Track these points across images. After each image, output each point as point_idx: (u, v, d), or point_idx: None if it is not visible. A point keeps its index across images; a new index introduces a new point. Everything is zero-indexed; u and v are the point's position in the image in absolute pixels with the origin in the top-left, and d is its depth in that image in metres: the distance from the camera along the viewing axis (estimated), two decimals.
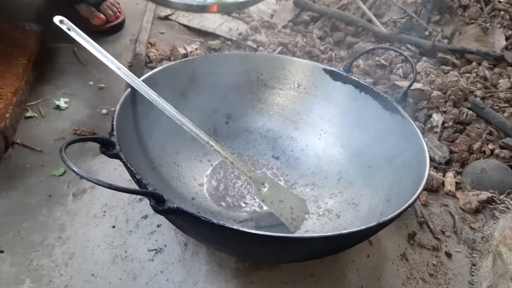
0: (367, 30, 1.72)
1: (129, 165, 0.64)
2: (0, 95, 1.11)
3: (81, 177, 0.55)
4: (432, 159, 1.21)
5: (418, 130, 0.82)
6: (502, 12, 1.74)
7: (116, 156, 0.66)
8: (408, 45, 1.64)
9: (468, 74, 1.50)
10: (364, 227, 0.62)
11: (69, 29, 0.82)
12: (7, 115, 1.06)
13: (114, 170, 0.99)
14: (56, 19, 0.81)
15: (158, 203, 0.59)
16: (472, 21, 1.74)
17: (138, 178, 0.63)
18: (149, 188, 0.61)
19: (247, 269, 0.80)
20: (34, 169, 1.04)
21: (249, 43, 1.61)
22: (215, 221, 0.59)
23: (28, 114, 1.17)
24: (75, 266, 0.84)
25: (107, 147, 0.67)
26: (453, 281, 0.95)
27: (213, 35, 1.64)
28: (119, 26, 1.57)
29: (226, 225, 0.59)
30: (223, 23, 1.69)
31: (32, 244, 0.88)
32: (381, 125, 0.91)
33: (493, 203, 1.13)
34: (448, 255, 1.00)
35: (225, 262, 0.80)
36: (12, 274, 0.82)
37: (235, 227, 0.59)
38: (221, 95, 1.00)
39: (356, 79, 0.96)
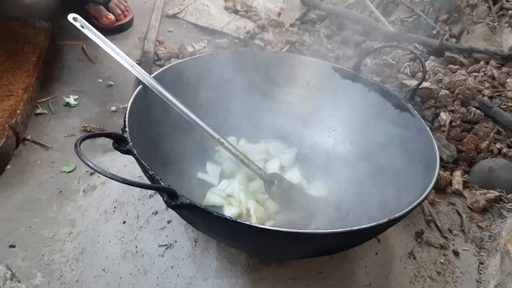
0: (375, 29, 1.72)
1: (142, 161, 0.65)
2: (11, 91, 1.12)
3: (96, 172, 0.56)
4: (440, 159, 1.21)
5: (428, 128, 0.83)
6: (510, 12, 1.73)
7: (128, 152, 0.67)
8: (416, 44, 1.64)
9: (476, 73, 1.49)
10: (374, 223, 0.63)
11: (82, 27, 0.82)
12: (18, 111, 1.07)
13: (124, 167, 0.99)
14: (70, 16, 0.82)
15: (171, 198, 0.59)
16: (480, 20, 1.73)
17: (151, 173, 0.63)
18: (162, 183, 0.61)
19: (257, 265, 0.80)
20: (44, 165, 1.06)
21: (257, 41, 1.61)
22: (227, 216, 0.59)
23: (38, 111, 1.18)
24: (86, 261, 0.85)
25: (120, 143, 0.67)
26: (460, 279, 0.95)
27: (221, 34, 1.65)
28: (128, 25, 1.58)
29: (238, 220, 0.59)
30: (231, 22, 1.69)
31: (43, 239, 0.89)
32: (390, 123, 0.91)
33: (501, 202, 1.13)
34: (456, 253, 1.00)
35: (235, 258, 0.81)
36: (24, 269, 0.83)
37: (247, 222, 0.60)
38: (230, 92, 1.00)
39: (365, 77, 0.96)
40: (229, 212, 0.83)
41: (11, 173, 1.02)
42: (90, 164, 0.56)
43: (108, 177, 0.55)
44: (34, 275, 0.83)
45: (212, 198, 0.86)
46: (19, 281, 0.72)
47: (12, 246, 0.88)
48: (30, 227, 0.91)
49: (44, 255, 0.86)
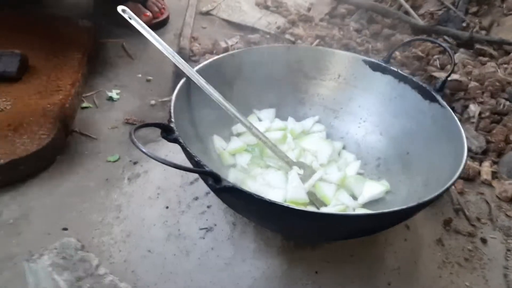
0: (404, 22, 1.74)
1: (187, 149, 0.71)
2: (59, 86, 1.20)
3: (150, 158, 0.61)
4: (468, 149, 1.21)
5: (456, 118, 0.85)
6: None
7: (175, 141, 0.73)
8: (445, 37, 1.64)
9: (506, 65, 1.49)
10: (405, 206, 0.66)
11: (130, 18, 0.89)
12: (67, 105, 1.15)
13: (165, 156, 1.05)
14: (119, 8, 0.88)
15: (216, 182, 0.65)
16: (511, 12, 1.72)
17: (196, 160, 0.69)
18: (207, 168, 0.67)
19: (292, 247, 0.85)
20: (91, 155, 1.13)
21: (287, 36, 1.65)
22: (267, 198, 0.64)
23: (84, 105, 1.26)
24: (132, 243, 0.91)
25: (168, 133, 0.73)
26: (488, 265, 0.97)
27: (252, 29, 1.69)
28: (164, 22, 1.64)
29: (277, 203, 0.64)
30: (262, 17, 1.74)
31: (93, 223, 0.96)
32: (419, 114, 0.94)
33: None
34: (484, 241, 1.02)
35: (271, 241, 0.85)
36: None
37: (285, 204, 0.65)
38: (264, 86, 1.05)
39: (395, 70, 0.99)
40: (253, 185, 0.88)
41: (62, 162, 1.10)
42: (144, 150, 0.61)
43: (161, 162, 0.60)
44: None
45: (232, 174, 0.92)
46: (88, 252, 0.79)
47: (65, 229, 0.95)
48: (80, 211, 0.98)
49: (94, 237, 0.93)
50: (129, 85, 1.36)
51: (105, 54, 1.47)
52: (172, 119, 0.76)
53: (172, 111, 0.79)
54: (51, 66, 1.27)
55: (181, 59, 0.89)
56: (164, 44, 0.89)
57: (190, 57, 1.47)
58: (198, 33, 1.62)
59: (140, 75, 1.41)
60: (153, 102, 1.31)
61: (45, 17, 1.46)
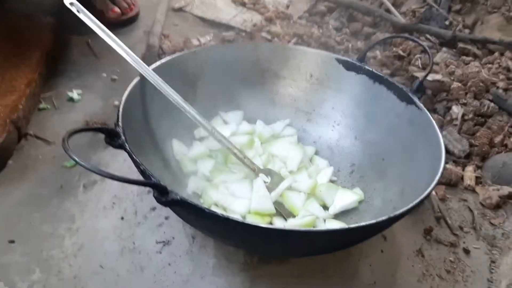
0: (385, 21, 1.68)
1: (133, 156, 0.64)
2: (13, 86, 1.12)
3: (81, 166, 0.54)
4: (451, 153, 1.18)
5: (434, 122, 0.80)
6: None
7: (120, 147, 0.66)
8: (428, 36, 1.59)
9: (490, 65, 1.44)
10: (374, 221, 0.60)
11: (78, 11, 0.81)
12: (20, 106, 1.07)
13: (123, 162, 0.99)
14: (66, 1, 0.81)
15: (162, 194, 0.57)
16: (495, 10, 1.68)
17: (142, 168, 0.62)
18: (153, 179, 0.60)
19: (256, 263, 0.79)
20: (46, 160, 1.05)
21: (264, 34, 1.59)
22: (219, 213, 0.57)
23: (41, 106, 1.18)
24: (84, 257, 0.84)
25: (112, 138, 0.66)
26: (471, 278, 0.92)
27: (227, 27, 1.63)
28: (134, 18, 1.57)
29: (230, 218, 0.57)
30: (238, 15, 1.67)
31: (43, 235, 0.88)
32: (395, 116, 0.89)
33: None
34: (466, 251, 0.97)
35: (233, 256, 0.79)
36: (22, 264, 0.83)
37: (239, 220, 0.58)
38: (231, 86, 0.99)
39: (370, 69, 0.93)
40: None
41: (13, 168, 1.02)
42: (76, 158, 0.54)
43: (94, 171, 0.53)
44: (32, 271, 0.82)
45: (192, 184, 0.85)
46: None
47: (11, 242, 0.87)
48: (30, 222, 0.91)
49: (43, 251, 0.86)
50: (92, 85, 1.28)
51: (69, 52, 1.39)
52: (120, 123, 0.69)
53: (120, 113, 0.72)
54: (8, 66, 1.18)
55: (135, 56, 0.82)
56: (115, 38, 0.82)
57: (159, 55, 1.40)
58: (169, 31, 1.55)
59: (105, 74, 1.33)
60: (117, 103, 1.23)
61: (4, 14, 1.37)
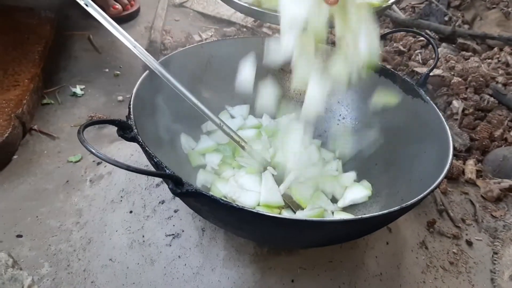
0: (385, 16, 1.69)
1: (147, 148, 0.64)
2: (17, 81, 1.11)
3: (99, 158, 0.54)
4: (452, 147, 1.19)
5: (441, 115, 0.80)
6: None
7: (133, 139, 0.66)
8: (427, 31, 1.60)
9: (489, 60, 1.46)
10: (386, 211, 0.61)
11: (86, 5, 0.81)
12: (24, 101, 1.06)
13: (130, 156, 0.98)
14: None
15: (177, 185, 0.58)
16: (494, 6, 1.69)
17: (156, 161, 0.62)
18: (167, 170, 0.60)
19: (266, 254, 0.79)
20: (51, 155, 1.05)
21: (264, 29, 1.59)
22: (233, 203, 0.58)
23: (45, 101, 1.18)
24: (93, 251, 0.84)
25: (125, 130, 0.66)
26: (474, 269, 0.93)
27: (228, 22, 1.63)
28: (135, 14, 1.57)
29: (244, 208, 0.58)
30: None
31: (50, 229, 0.88)
32: (401, 110, 0.89)
33: None
34: (469, 243, 0.98)
35: (243, 248, 0.79)
36: (31, 258, 0.83)
37: (253, 210, 0.58)
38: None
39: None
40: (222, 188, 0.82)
41: (18, 163, 1.02)
42: (93, 150, 0.55)
43: (111, 163, 0.54)
44: (41, 265, 0.82)
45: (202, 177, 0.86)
46: (21, 269, 0.71)
47: (19, 236, 0.87)
48: (37, 217, 0.91)
49: (51, 245, 0.86)
50: (95, 80, 1.28)
51: (70, 47, 1.38)
52: (131, 116, 0.69)
53: (131, 106, 0.71)
54: (9, 59, 1.18)
55: (143, 49, 0.82)
56: (124, 33, 0.82)
57: (161, 51, 1.40)
58: (170, 26, 1.55)
59: (107, 70, 1.33)
60: (120, 98, 1.23)
61: (5, 8, 1.36)
